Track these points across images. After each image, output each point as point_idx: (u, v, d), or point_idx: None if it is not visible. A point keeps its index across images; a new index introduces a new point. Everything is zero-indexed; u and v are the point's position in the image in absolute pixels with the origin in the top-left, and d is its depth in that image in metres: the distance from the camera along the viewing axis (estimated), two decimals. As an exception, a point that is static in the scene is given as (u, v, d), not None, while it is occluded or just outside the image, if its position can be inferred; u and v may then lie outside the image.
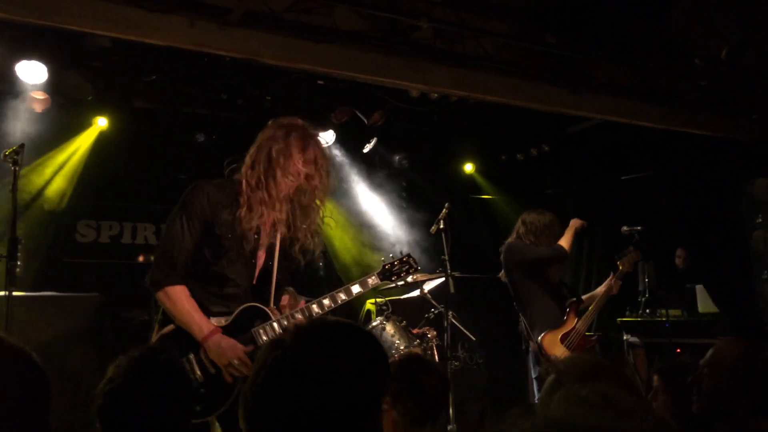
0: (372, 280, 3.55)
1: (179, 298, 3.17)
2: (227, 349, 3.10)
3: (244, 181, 3.29)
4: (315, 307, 3.36)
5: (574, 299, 5.30)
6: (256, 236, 3.32)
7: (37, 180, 6.45)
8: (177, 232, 3.21)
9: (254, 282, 3.38)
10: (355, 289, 3.47)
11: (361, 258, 7.81)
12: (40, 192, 6.47)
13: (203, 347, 3.14)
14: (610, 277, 5.29)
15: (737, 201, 6.91)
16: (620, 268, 5.28)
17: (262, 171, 3.26)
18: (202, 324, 3.14)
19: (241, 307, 3.27)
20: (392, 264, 3.62)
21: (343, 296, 3.43)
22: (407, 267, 3.63)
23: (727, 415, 2.49)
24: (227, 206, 3.28)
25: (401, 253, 3.69)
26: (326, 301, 3.39)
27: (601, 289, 5.37)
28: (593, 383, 1.14)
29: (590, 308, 5.37)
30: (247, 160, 3.33)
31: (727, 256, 7.01)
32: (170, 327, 3.21)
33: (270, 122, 3.42)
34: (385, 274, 3.59)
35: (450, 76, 4.95)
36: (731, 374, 2.49)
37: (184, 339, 3.15)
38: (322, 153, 3.41)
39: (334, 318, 1.61)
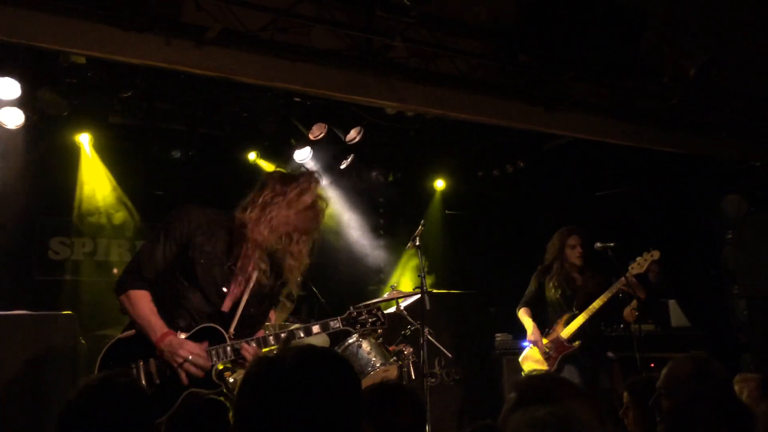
0: (334, 324, 3.62)
1: (139, 301, 3.30)
2: (179, 347, 3.22)
3: (236, 220, 3.44)
4: (271, 339, 3.42)
5: (570, 313, 5.66)
6: (232, 267, 3.41)
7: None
8: (151, 247, 3.39)
9: (222, 309, 3.44)
10: (315, 329, 3.55)
11: (348, 274, 7.81)
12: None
13: (158, 349, 3.24)
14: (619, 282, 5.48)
15: (708, 217, 7.04)
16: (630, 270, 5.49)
17: (253, 222, 3.41)
18: (157, 326, 3.26)
19: (200, 326, 3.37)
20: (359, 312, 3.69)
21: (301, 334, 3.52)
22: (374, 320, 3.69)
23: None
24: (208, 234, 3.40)
25: (376, 307, 3.75)
26: (284, 335, 3.46)
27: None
28: (552, 405, 1.17)
29: (580, 316, 5.53)
30: (246, 203, 3.47)
31: (699, 272, 7.13)
32: (130, 332, 3.31)
33: (279, 174, 3.56)
34: (349, 321, 3.66)
35: (425, 95, 5.00)
36: (686, 392, 2.54)
37: (138, 346, 3.27)
38: (319, 215, 3.55)
39: (330, 349, 1.76)
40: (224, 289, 3.44)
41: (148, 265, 3.36)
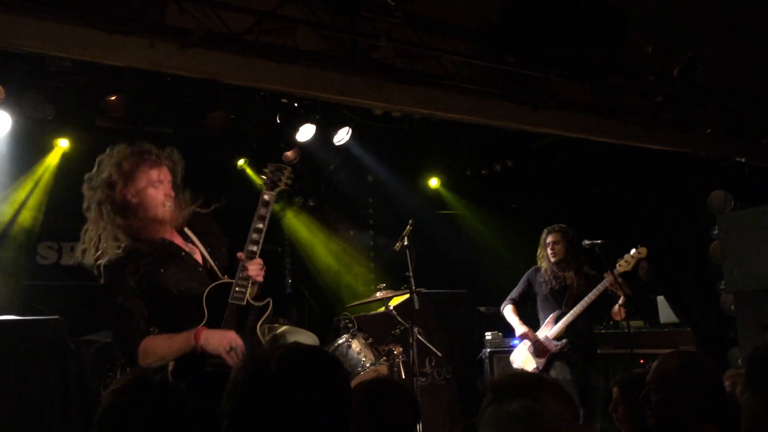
0: (267, 196, 3.47)
1: (153, 341, 3.16)
2: (220, 338, 3.13)
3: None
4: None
5: (559, 311, 5.71)
6: (200, 270, 3.39)
7: (9, 210, 6.43)
8: (124, 316, 3.20)
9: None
10: (263, 212, 3.41)
11: (338, 275, 7.82)
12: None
13: (198, 348, 3.11)
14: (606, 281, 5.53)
15: (695, 213, 7.08)
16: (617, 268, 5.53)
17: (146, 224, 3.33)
18: (183, 336, 3.14)
19: (204, 300, 3.25)
20: (268, 177, 3.54)
21: (263, 210, 3.43)
22: (279, 171, 3.55)
23: (677, 426, 2.56)
24: (153, 265, 3.26)
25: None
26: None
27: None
28: (524, 399, 1.19)
29: (567, 315, 5.58)
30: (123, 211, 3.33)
31: (686, 268, 7.17)
32: (171, 365, 3.15)
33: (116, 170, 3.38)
34: (272, 186, 3.52)
35: (411, 95, 5.02)
36: (674, 387, 2.57)
37: (186, 370, 3.13)
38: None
39: (317, 347, 1.74)
40: (211, 281, 3.36)
41: (137, 326, 3.18)
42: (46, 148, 6.48)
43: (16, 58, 5.30)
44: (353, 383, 4.83)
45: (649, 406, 2.69)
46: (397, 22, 4.35)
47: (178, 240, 3.45)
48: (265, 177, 3.55)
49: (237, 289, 3.29)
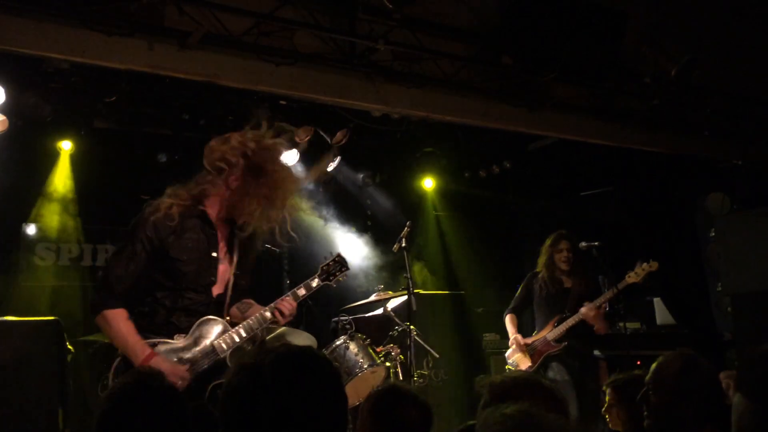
0: (315, 282, 3.69)
1: (115, 322, 3.18)
2: (167, 374, 3.10)
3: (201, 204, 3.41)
4: (267, 314, 3.46)
5: (560, 315, 5.71)
6: (214, 254, 3.38)
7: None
8: (120, 261, 3.27)
9: (213, 296, 3.43)
10: (301, 292, 3.62)
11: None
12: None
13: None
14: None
15: (692, 216, 7.10)
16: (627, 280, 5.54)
17: (219, 202, 3.44)
18: (137, 348, 3.15)
19: (197, 323, 3.33)
20: (328, 265, 3.74)
21: (303, 291, 3.62)
22: (339, 266, 3.76)
23: (676, 427, 2.57)
24: (179, 231, 3.33)
25: (331, 253, 3.81)
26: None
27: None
28: (519, 402, 1.20)
29: (569, 319, 5.59)
30: (206, 182, 3.44)
31: (683, 270, 7.19)
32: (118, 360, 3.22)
33: (241, 150, 3.48)
34: (322, 276, 3.72)
35: (409, 97, 5.03)
36: (673, 388, 2.57)
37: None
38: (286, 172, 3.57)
39: (307, 347, 1.74)
40: (212, 278, 3.42)
41: (119, 281, 3.23)
42: (44, 150, 6.48)
43: (14, 60, 5.30)
44: (352, 385, 4.86)
45: (647, 406, 2.70)
46: (396, 24, 4.36)
47: (222, 244, 3.48)
48: (325, 262, 3.73)
49: (227, 340, 3.33)
